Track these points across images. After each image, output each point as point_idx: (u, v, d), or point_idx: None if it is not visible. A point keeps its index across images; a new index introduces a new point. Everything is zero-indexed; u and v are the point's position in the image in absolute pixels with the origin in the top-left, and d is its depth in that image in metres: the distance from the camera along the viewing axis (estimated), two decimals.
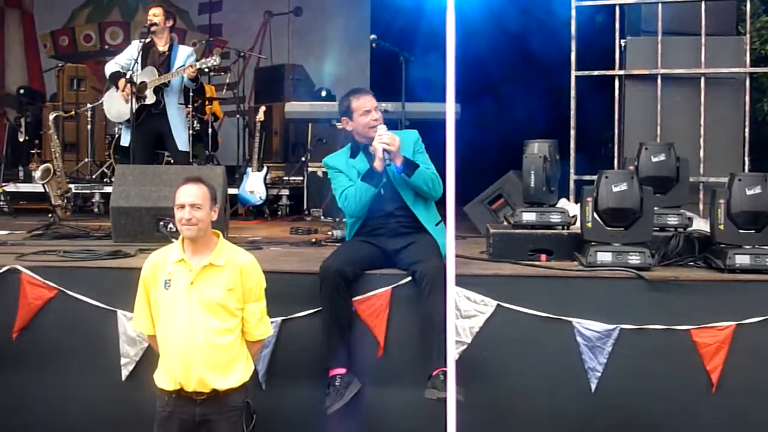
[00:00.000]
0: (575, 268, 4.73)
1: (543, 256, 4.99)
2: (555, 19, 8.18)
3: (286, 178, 9.38)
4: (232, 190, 7.81)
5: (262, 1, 12.62)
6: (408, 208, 4.71)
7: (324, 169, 8.31)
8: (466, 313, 4.49)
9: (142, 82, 7.12)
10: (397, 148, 4.57)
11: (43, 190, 7.34)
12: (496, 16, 10.87)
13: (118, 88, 7.20)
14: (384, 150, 4.54)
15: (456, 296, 4.48)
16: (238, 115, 10.08)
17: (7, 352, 4.68)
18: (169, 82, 7.18)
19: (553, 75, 7.64)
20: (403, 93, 6.88)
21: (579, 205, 4.91)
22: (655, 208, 4.95)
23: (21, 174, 9.54)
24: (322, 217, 8.25)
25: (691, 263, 4.87)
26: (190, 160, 7.57)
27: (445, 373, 4.25)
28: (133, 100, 6.95)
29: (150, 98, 7.16)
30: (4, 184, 8.89)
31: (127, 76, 6.99)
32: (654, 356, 4.46)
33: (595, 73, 6.65)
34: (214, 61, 7.14)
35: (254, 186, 8.35)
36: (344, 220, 7.36)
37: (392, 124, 5.05)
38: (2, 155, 9.76)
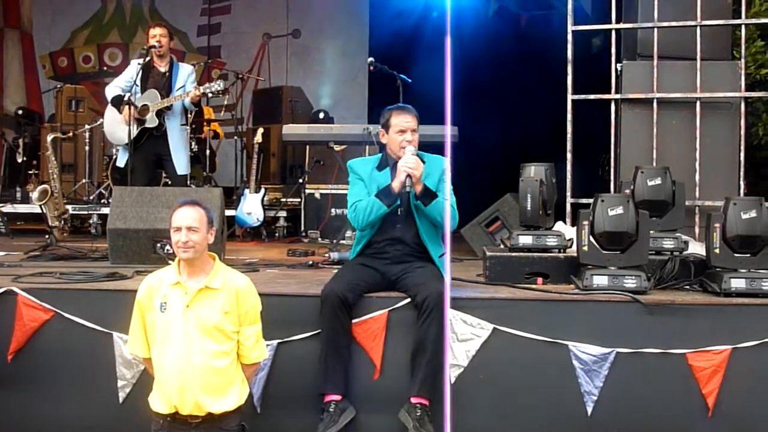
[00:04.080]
0: (571, 291, 4.73)
1: (539, 280, 5.01)
2: (552, 42, 8.24)
3: (283, 199, 9.40)
4: (229, 212, 7.82)
5: (260, 24, 12.71)
6: (418, 237, 4.69)
7: (322, 191, 8.50)
8: (462, 337, 4.49)
9: (144, 106, 7.11)
10: (419, 174, 4.54)
11: (40, 211, 7.34)
12: (493, 39, 10.99)
13: (120, 112, 7.14)
14: (407, 175, 4.52)
15: (452, 319, 4.49)
16: (236, 137, 10.12)
17: (2, 375, 4.66)
18: (171, 105, 7.19)
19: (550, 98, 7.67)
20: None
21: (575, 228, 4.92)
22: (651, 232, 4.98)
23: (18, 195, 9.54)
24: (320, 239, 8.28)
25: (687, 287, 4.87)
26: (188, 182, 7.57)
27: (423, 407, 4.27)
28: (134, 124, 6.95)
29: (152, 121, 7.15)
30: (1, 205, 8.90)
31: (127, 98, 6.98)
32: (650, 380, 4.45)
33: (592, 97, 6.67)
34: (218, 86, 7.13)
35: (252, 208, 8.36)
36: (342, 242, 7.44)
37: (432, 147, 4.99)
38: (0, 176, 9.76)
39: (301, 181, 8.87)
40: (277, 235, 8.78)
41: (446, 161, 4.81)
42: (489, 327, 4.49)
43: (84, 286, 4.92)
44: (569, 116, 6.60)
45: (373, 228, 4.72)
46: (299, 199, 8.84)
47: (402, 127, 4.70)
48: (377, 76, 7.43)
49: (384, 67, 7.15)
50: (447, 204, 4.56)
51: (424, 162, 4.66)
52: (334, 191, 8.44)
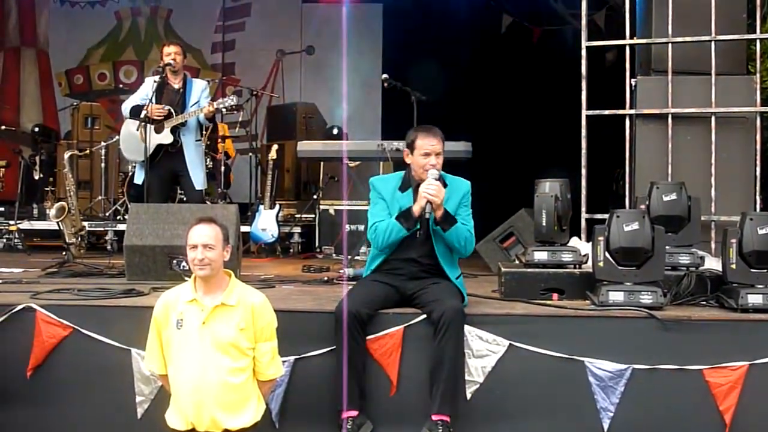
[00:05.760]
0: (587, 307, 4.73)
1: (555, 295, 5.00)
2: (565, 57, 8.26)
3: (298, 215, 9.43)
4: (244, 228, 7.84)
5: (274, 40, 12.77)
6: (435, 257, 4.68)
7: (336, 207, 8.52)
8: (478, 353, 4.48)
9: (159, 122, 7.16)
10: (440, 201, 4.51)
11: (57, 228, 7.39)
12: (507, 54, 11.01)
13: (143, 119, 7.12)
14: (427, 200, 4.50)
15: (468, 335, 4.50)
16: (250, 153, 10.15)
17: (21, 391, 4.69)
18: (186, 121, 7.23)
19: (564, 113, 7.67)
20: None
21: (591, 244, 4.92)
22: (667, 247, 4.96)
23: (35, 211, 9.60)
24: (334, 255, 8.29)
25: (704, 302, 4.86)
26: (204, 198, 7.60)
27: (444, 424, 4.27)
28: (150, 139, 7.00)
29: (167, 138, 7.20)
30: (18, 221, 8.96)
31: (143, 115, 7.03)
32: (666, 396, 4.44)
33: (606, 112, 6.66)
34: (231, 101, 7.18)
35: (266, 224, 8.38)
36: (357, 258, 7.45)
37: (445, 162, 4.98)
38: (17, 193, 9.83)
39: (315, 197, 8.88)
40: (291, 251, 8.80)
41: (468, 185, 4.81)
42: (505, 343, 4.49)
43: (102, 303, 4.96)
44: (583, 131, 6.60)
45: (392, 248, 4.72)
46: (313, 215, 8.86)
47: (427, 150, 4.64)
48: (391, 92, 7.46)
49: (398, 84, 7.17)
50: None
51: (446, 184, 4.66)
52: (348, 207, 8.44)
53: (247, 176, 9.86)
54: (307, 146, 8.21)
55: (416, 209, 4.55)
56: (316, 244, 8.64)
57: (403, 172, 4.87)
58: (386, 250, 4.73)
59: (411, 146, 4.73)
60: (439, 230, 4.59)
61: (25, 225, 9.02)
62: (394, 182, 4.84)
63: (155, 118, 7.08)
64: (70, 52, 13.48)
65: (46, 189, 9.91)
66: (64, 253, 7.19)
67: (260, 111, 11.65)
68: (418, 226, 4.59)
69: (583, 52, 6.65)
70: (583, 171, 6.58)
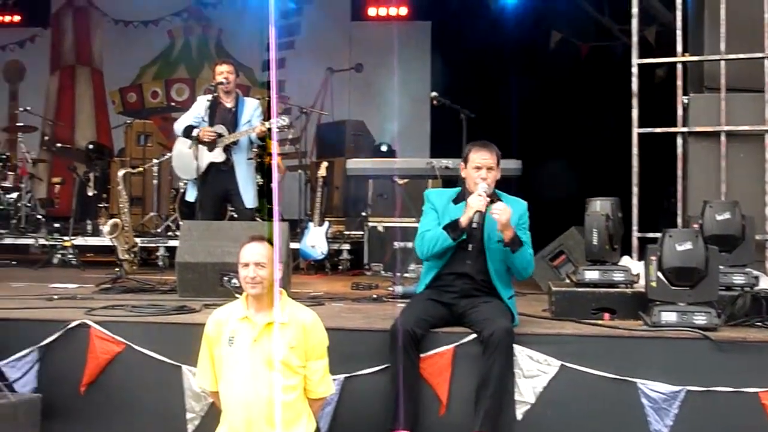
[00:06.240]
0: (640, 327, 4.68)
1: (606, 315, 4.95)
2: (614, 73, 8.20)
3: (346, 232, 9.46)
4: (293, 245, 7.89)
5: (323, 58, 12.84)
6: (488, 275, 4.68)
7: (385, 224, 8.53)
8: (528, 373, 4.46)
9: (211, 141, 7.26)
10: (506, 220, 4.50)
11: (109, 244, 7.50)
12: (556, 70, 10.97)
13: (193, 139, 7.21)
14: (476, 211, 4.50)
15: (518, 355, 4.48)
16: (299, 170, 10.22)
17: (75, 406, 4.77)
18: (238, 139, 7.32)
19: (614, 130, 7.62)
20: (464, 150, 6.90)
21: (643, 263, 4.87)
22: (721, 267, 4.89)
23: (89, 227, 9.76)
24: (383, 272, 8.29)
25: (759, 323, 4.77)
26: (254, 216, 7.67)
27: None
28: (203, 158, 7.10)
29: (219, 156, 7.27)
30: (72, 237, 9.12)
31: (196, 133, 7.13)
32: (721, 419, 4.37)
33: (658, 130, 6.60)
34: (283, 121, 7.24)
35: (315, 241, 8.42)
36: (406, 275, 7.46)
37: (504, 184, 4.96)
38: (72, 209, 10.00)
39: (363, 214, 8.91)
40: (340, 267, 8.83)
41: (525, 205, 4.81)
42: (556, 364, 4.46)
43: (154, 319, 5.02)
44: (634, 150, 6.55)
45: (440, 259, 4.71)
46: (362, 232, 8.88)
47: (478, 163, 4.68)
48: (440, 109, 7.47)
49: (447, 101, 7.18)
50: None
51: (500, 201, 4.66)
52: (397, 224, 8.45)
53: (296, 193, 9.93)
54: (356, 164, 8.26)
55: (463, 220, 4.56)
56: (365, 261, 8.66)
57: (460, 188, 4.90)
58: (434, 262, 4.74)
59: (465, 159, 4.80)
60: (501, 249, 4.59)
61: (79, 241, 9.15)
62: (449, 195, 4.89)
63: (205, 140, 7.16)
64: (124, 71, 13.73)
65: (100, 205, 10.07)
66: (117, 269, 7.29)
67: (309, 128, 11.72)
68: (465, 237, 4.60)
69: (634, 70, 6.61)
70: (635, 189, 6.52)
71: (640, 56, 6.68)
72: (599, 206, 5.22)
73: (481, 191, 4.57)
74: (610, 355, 4.50)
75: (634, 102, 6.58)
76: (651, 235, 6.28)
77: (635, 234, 6.47)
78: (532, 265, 4.71)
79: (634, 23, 6.70)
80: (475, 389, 4.41)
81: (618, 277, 5.09)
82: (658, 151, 7.01)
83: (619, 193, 5.66)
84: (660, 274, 4.67)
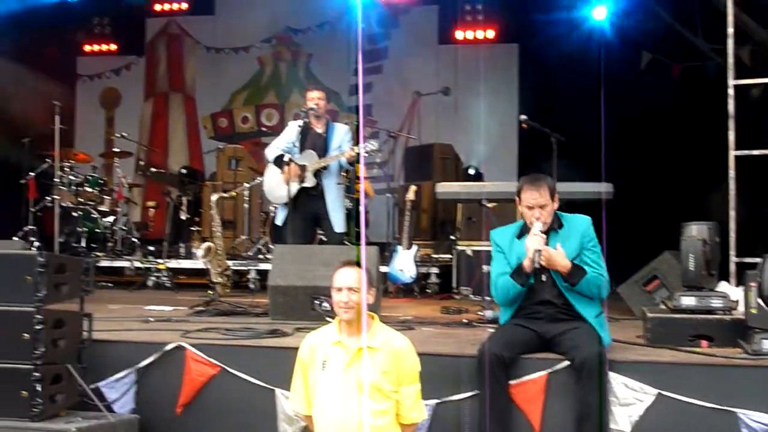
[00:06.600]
0: (739, 355, 4.56)
1: (704, 343, 4.83)
2: (708, 93, 8.02)
3: (434, 256, 9.45)
4: (382, 268, 7.92)
5: (411, 82, 12.91)
6: (566, 299, 4.63)
7: (474, 248, 8.50)
8: (624, 401, 4.38)
9: (302, 166, 7.34)
10: (555, 261, 4.51)
11: (202, 266, 7.65)
12: (650, 94, 10.77)
13: (283, 172, 7.34)
14: (536, 251, 4.48)
15: (612, 382, 4.40)
16: (388, 194, 10.28)
17: (172, 427, 4.88)
18: (328, 164, 7.40)
19: (708, 151, 7.44)
20: (554, 174, 6.82)
21: (742, 289, 4.74)
22: None
23: (182, 250, 9.98)
24: (472, 296, 8.25)
25: None
26: (344, 241, 7.74)
27: None
28: (296, 183, 7.21)
29: (310, 181, 7.37)
30: (166, 260, 9.34)
31: (287, 158, 7.24)
32: None
33: (755, 152, 6.42)
34: (372, 145, 7.33)
35: (404, 264, 8.44)
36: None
37: (585, 204, 4.87)
38: (165, 232, 10.25)
39: (452, 237, 8.89)
40: (428, 291, 8.82)
41: (588, 221, 4.74)
42: (653, 392, 4.37)
43: (248, 343, 5.10)
44: (731, 172, 6.37)
45: (516, 301, 4.69)
46: (450, 256, 8.87)
47: (529, 203, 4.64)
48: (528, 132, 7.42)
49: (537, 125, 7.12)
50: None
51: (562, 225, 4.67)
52: (486, 248, 8.39)
53: (384, 216, 9.99)
54: (446, 188, 8.26)
55: (526, 264, 4.55)
56: (454, 285, 8.63)
57: (522, 221, 4.84)
58: (509, 304, 4.72)
59: (519, 195, 4.74)
60: (568, 287, 4.56)
61: (173, 263, 9.38)
62: (513, 231, 4.85)
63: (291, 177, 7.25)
64: (215, 97, 14.05)
65: (192, 228, 10.30)
66: (210, 291, 7.42)
67: (397, 151, 11.80)
68: (532, 281, 4.60)
69: (730, 91, 6.44)
70: (732, 213, 6.34)
71: (735, 76, 6.51)
72: (696, 231, 5.13)
73: (536, 231, 4.55)
74: (708, 383, 4.39)
75: (731, 124, 6.41)
76: (749, 260, 6.10)
77: (733, 259, 6.28)
78: (607, 286, 4.62)
79: (730, 43, 6.54)
80: (575, 421, 4.36)
81: (716, 303, 4.97)
82: (756, 173, 6.82)
83: (715, 216, 5.53)
84: (760, 301, 4.55)
